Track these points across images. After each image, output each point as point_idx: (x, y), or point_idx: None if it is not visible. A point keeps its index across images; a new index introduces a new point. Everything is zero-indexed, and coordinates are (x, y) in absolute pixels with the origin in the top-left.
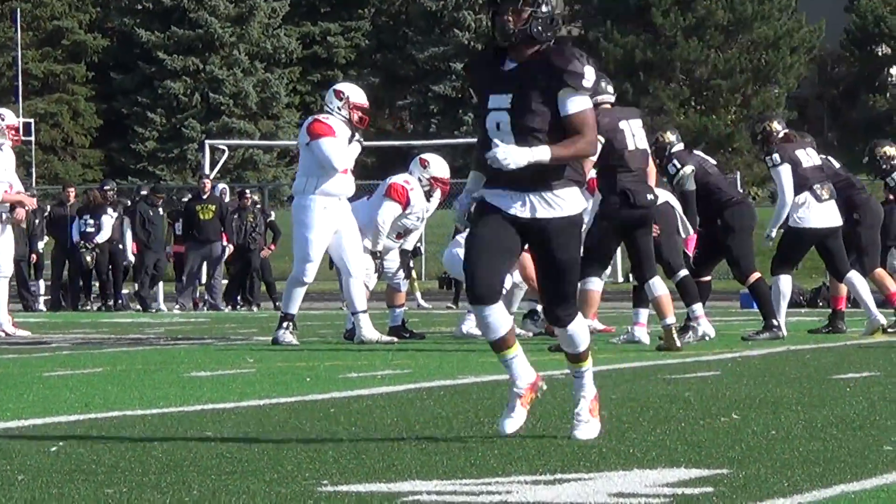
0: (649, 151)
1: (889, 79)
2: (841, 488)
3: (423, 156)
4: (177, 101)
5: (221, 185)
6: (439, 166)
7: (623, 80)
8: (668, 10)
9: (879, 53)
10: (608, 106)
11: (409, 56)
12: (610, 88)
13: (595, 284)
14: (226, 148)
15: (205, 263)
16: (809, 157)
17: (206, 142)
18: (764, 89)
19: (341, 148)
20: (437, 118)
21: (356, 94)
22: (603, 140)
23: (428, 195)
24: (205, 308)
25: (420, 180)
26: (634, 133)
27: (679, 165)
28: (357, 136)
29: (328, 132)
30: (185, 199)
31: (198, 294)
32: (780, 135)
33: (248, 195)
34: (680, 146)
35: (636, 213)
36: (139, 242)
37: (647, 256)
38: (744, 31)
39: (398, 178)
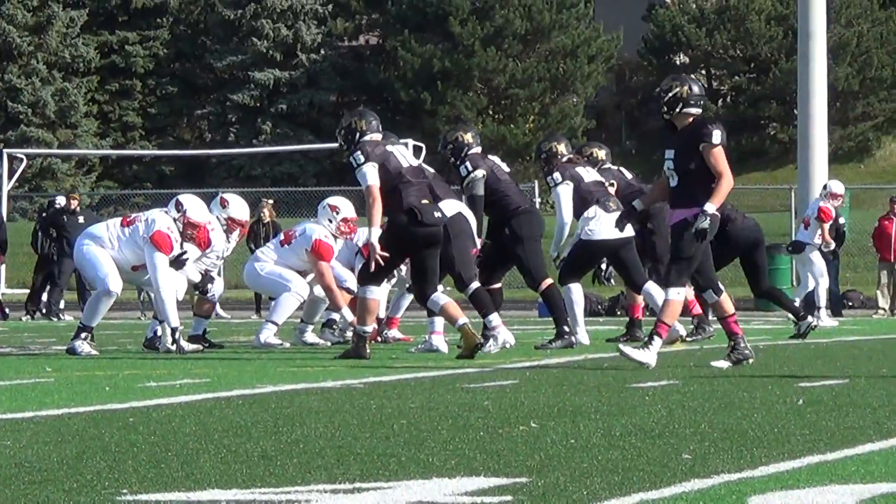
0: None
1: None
2: (640, 496)
3: (225, 195)
4: None
5: (59, 198)
6: (238, 208)
7: (421, 90)
8: (465, 19)
9: (678, 62)
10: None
11: (207, 65)
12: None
13: (375, 293)
14: (24, 157)
15: None
16: (590, 173)
17: (5, 150)
18: (562, 98)
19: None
20: (236, 127)
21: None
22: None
23: (227, 234)
24: None
25: (219, 219)
26: (405, 154)
27: (471, 168)
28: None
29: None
30: None
31: None
32: (564, 158)
33: (57, 206)
34: (477, 149)
35: (424, 231)
36: None
37: (433, 272)
38: (541, 40)
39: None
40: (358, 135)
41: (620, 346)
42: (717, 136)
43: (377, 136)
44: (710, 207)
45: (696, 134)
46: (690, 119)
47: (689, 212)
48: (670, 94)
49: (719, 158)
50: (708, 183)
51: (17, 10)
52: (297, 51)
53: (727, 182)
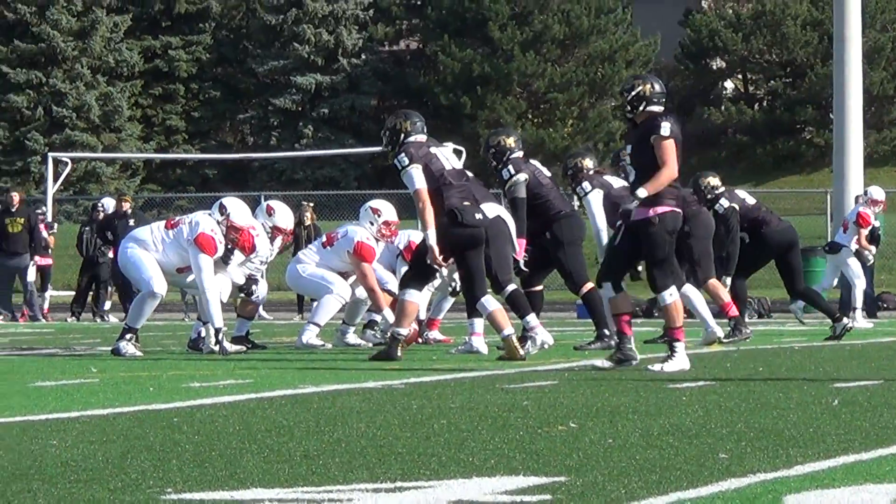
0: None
1: (723, 92)
2: (677, 495)
3: (271, 203)
4: (20, 113)
5: (103, 200)
6: (284, 216)
7: (461, 94)
8: (504, 24)
9: (714, 67)
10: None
11: (249, 70)
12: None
13: (414, 297)
14: (69, 160)
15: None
16: (618, 181)
17: (50, 154)
18: (600, 102)
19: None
20: (278, 131)
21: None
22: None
23: (271, 240)
24: (26, 318)
25: (264, 226)
26: (448, 156)
27: (513, 171)
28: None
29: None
30: None
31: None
32: (591, 172)
33: (98, 211)
34: (519, 153)
35: (465, 232)
36: None
37: (479, 272)
38: (580, 44)
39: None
40: (402, 136)
41: (650, 366)
42: (666, 128)
43: (422, 138)
44: (642, 192)
45: (649, 127)
46: (647, 115)
47: (646, 211)
48: (633, 93)
49: (666, 149)
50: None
51: (62, 14)
52: (339, 55)
53: (668, 173)
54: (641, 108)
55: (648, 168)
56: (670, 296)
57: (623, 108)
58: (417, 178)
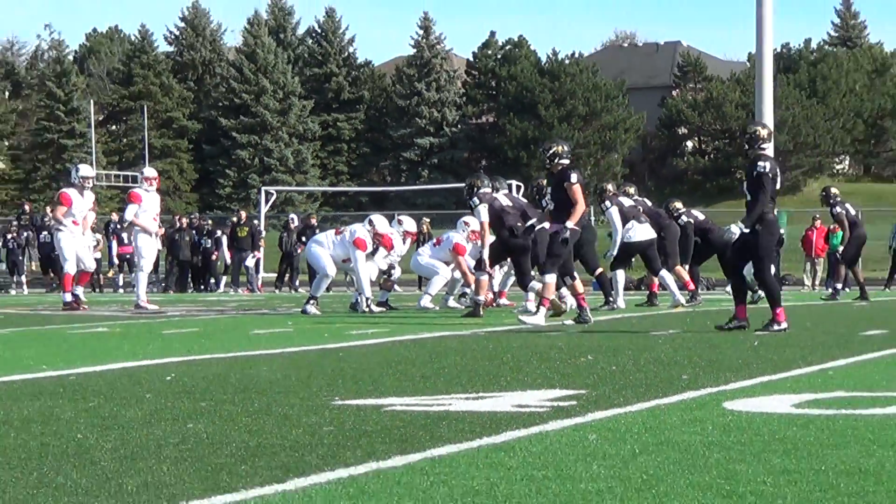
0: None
1: (686, 148)
2: (656, 402)
3: (401, 216)
4: (244, 162)
5: (291, 215)
6: (410, 224)
7: (520, 150)
8: (548, 105)
9: (680, 133)
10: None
11: (388, 135)
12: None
13: (485, 277)
14: (274, 192)
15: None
16: (627, 200)
17: (263, 188)
18: (608, 155)
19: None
20: (406, 173)
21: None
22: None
23: (403, 240)
24: (248, 291)
25: (397, 232)
26: (506, 196)
27: (547, 202)
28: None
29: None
30: (233, 221)
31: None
32: (611, 193)
33: (290, 222)
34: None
35: (517, 242)
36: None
37: (527, 267)
38: (595, 118)
39: (384, 229)
40: (475, 189)
41: (518, 315)
42: (574, 177)
43: (487, 189)
44: (570, 223)
45: (562, 176)
46: (560, 167)
47: (558, 226)
48: (550, 152)
49: (576, 192)
50: (569, 207)
51: (270, 100)
52: (443, 125)
53: (580, 208)
54: (556, 161)
55: (564, 203)
56: (551, 278)
57: (543, 163)
58: (483, 213)
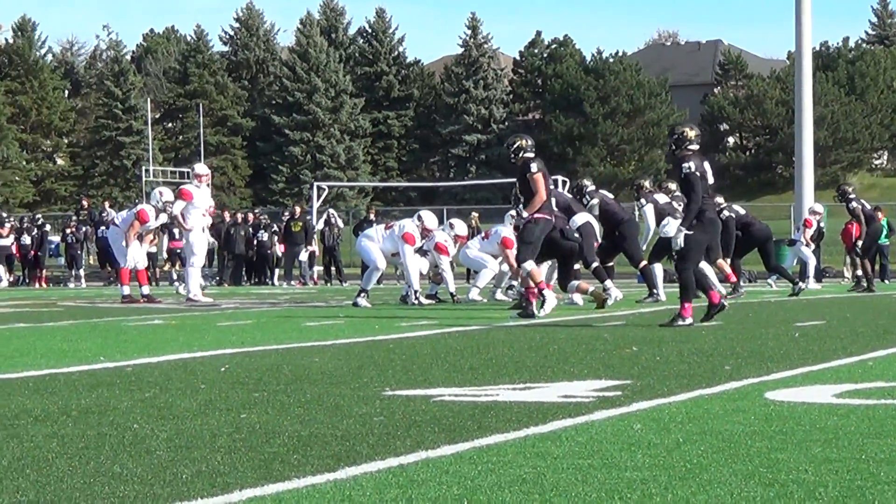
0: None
1: (727, 144)
2: (699, 392)
3: (452, 220)
4: (296, 159)
5: (330, 210)
6: (460, 228)
7: (566, 146)
8: (593, 102)
9: (721, 129)
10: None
11: (437, 132)
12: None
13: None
14: (326, 187)
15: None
16: (663, 198)
17: (315, 183)
18: (651, 151)
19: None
20: (454, 169)
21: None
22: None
23: (455, 243)
24: (300, 284)
25: (451, 235)
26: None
27: (589, 199)
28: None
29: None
30: (286, 217)
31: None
32: (647, 190)
33: (331, 217)
34: (592, 187)
35: (567, 244)
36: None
37: (571, 267)
38: (639, 115)
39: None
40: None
41: (510, 315)
42: (534, 167)
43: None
44: (526, 213)
45: (524, 168)
46: (523, 160)
47: (530, 217)
48: (515, 146)
49: (537, 182)
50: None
51: (322, 98)
52: (491, 122)
53: (539, 198)
54: (520, 155)
55: (526, 193)
56: (529, 265)
57: (508, 156)
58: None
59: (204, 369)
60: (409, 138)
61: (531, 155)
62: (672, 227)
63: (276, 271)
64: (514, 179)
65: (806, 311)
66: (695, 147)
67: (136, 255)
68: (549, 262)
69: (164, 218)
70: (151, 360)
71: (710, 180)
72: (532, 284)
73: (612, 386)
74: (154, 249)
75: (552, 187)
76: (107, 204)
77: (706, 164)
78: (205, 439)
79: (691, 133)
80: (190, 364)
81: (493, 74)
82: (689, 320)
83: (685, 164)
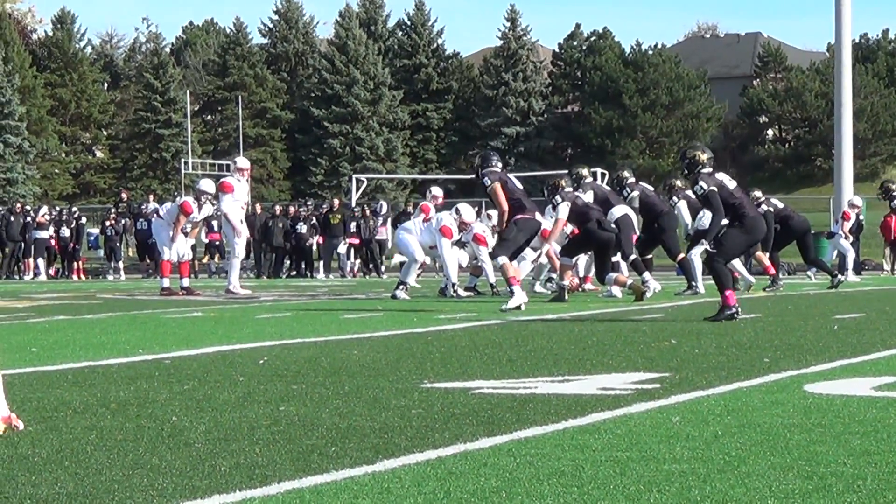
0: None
1: (766, 136)
2: (738, 384)
3: (489, 211)
4: (335, 151)
5: (381, 202)
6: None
7: (605, 139)
8: (632, 95)
9: (760, 121)
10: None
11: (475, 124)
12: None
13: (570, 262)
14: (365, 179)
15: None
16: (692, 194)
17: (354, 176)
18: (691, 143)
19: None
20: None
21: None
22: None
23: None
24: (339, 276)
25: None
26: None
27: (629, 191)
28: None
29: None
30: (324, 209)
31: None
32: (679, 188)
33: (366, 209)
34: (632, 179)
35: (604, 235)
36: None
37: (608, 260)
38: (678, 108)
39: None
40: (560, 188)
41: (502, 307)
42: (487, 181)
43: (569, 189)
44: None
45: (480, 178)
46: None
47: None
48: (477, 162)
49: (496, 193)
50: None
51: (361, 90)
52: (530, 115)
53: (500, 210)
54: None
55: (490, 204)
56: (505, 260)
57: (476, 173)
58: (563, 211)
59: (242, 361)
60: (448, 131)
61: (491, 168)
62: (707, 218)
63: (319, 264)
64: (553, 172)
65: (845, 303)
66: (708, 170)
67: (180, 248)
68: (587, 255)
69: (207, 210)
70: (190, 352)
71: (732, 184)
72: (510, 276)
73: (650, 378)
74: (193, 241)
75: (568, 189)
76: (151, 197)
77: (720, 175)
78: (243, 432)
79: (703, 157)
80: (228, 356)
81: (532, 67)
82: (733, 309)
83: (697, 187)
